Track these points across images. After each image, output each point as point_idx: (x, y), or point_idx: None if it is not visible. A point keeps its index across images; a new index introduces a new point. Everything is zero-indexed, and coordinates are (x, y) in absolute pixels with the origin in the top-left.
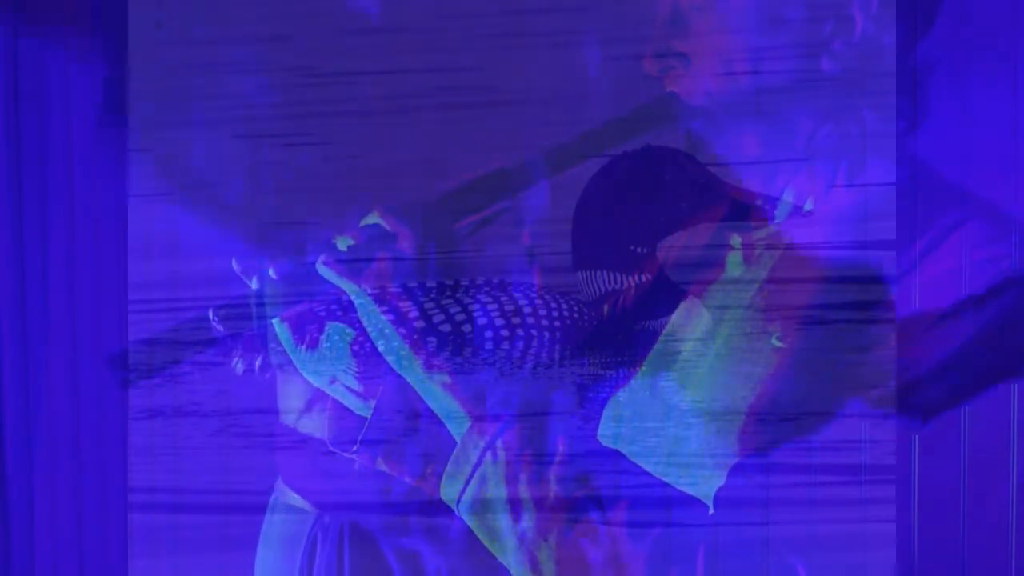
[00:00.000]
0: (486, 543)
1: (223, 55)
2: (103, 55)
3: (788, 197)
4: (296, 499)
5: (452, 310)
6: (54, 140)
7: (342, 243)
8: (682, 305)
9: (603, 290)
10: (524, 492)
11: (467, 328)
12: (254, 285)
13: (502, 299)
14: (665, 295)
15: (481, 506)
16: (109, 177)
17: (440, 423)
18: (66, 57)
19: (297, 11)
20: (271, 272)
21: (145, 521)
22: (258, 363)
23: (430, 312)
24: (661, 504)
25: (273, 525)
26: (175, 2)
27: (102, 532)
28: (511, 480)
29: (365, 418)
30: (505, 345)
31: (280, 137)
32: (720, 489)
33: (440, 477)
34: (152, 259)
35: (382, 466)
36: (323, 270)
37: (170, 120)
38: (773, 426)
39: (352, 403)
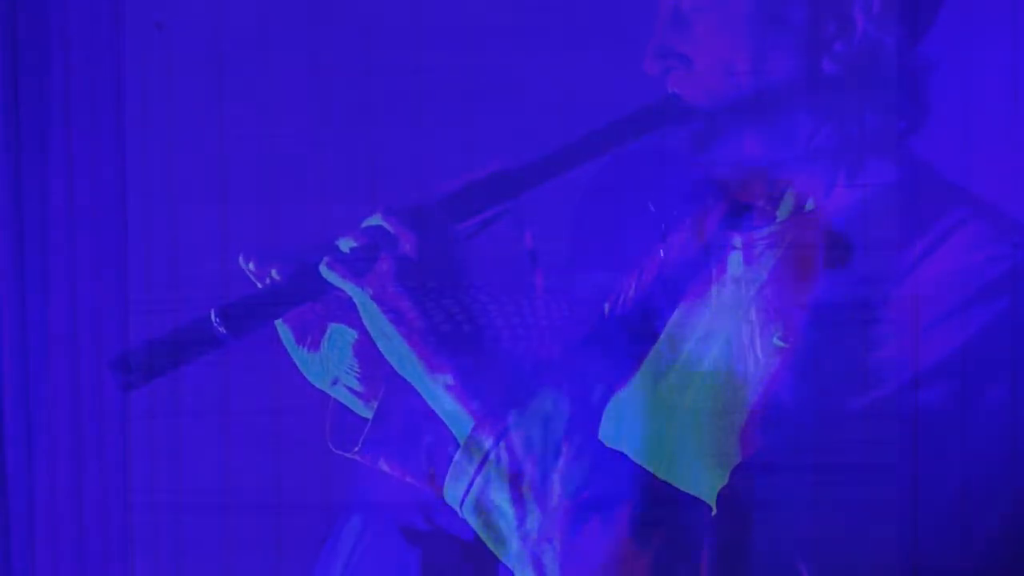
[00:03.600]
0: (489, 544)
1: (221, 55)
2: (102, 56)
3: (789, 197)
4: None
5: (454, 310)
6: (54, 140)
7: (344, 244)
8: (682, 305)
9: (604, 289)
10: (528, 493)
11: (469, 328)
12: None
13: (503, 299)
14: (666, 295)
15: (484, 507)
16: (109, 177)
17: (443, 424)
18: (66, 56)
19: (297, 10)
20: (273, 273)
21: (145, 521)
22: None
23: (432, 312)
24: (664, 504)
25: None
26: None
27: (102, 532)
28: (514, 481)
29: (367, 419)
30: (507, 345)
31: (281, 138)
32: (723, 489)
33: (443, 478)
34: (152, 259)
35: (384, 467)
36: (326, 272)
37: (169, 120)
38: (775, 426)
39: (354, 404)
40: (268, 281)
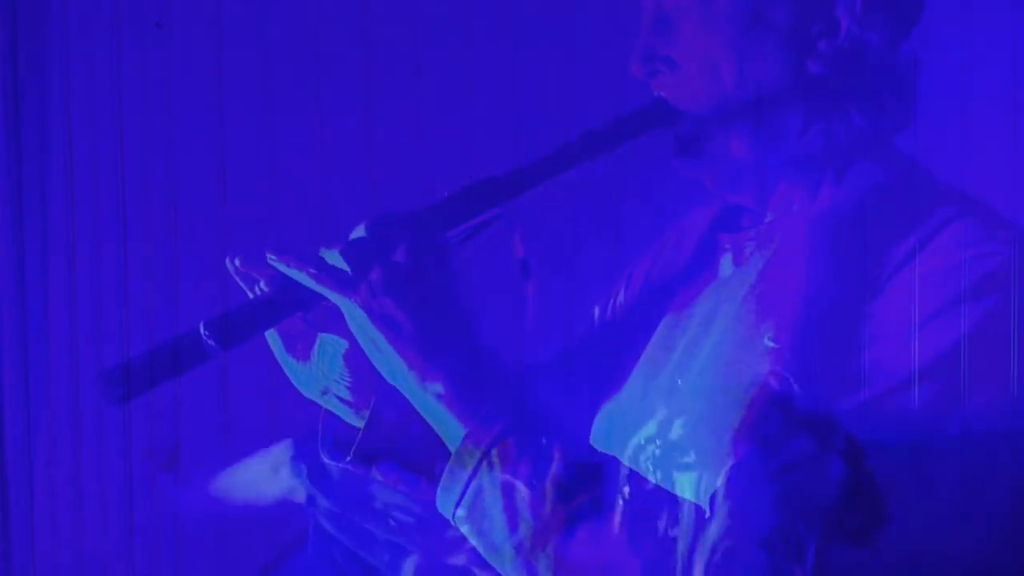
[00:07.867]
0: (483, 553)
1: (221, 55)
2: (102, 56)
3: (777, 198)
4: None
5: (447, 317)
6: (54, 140)
7: (329, 257)
8: (673, 308)
9: (594, 294)
10: (521, 501)
11: (459, 336)
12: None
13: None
14: (656, 298)
15: (477, 516)
16: (110, 176)
17: (435, 433)
18: (66, 56)
19: (296, 11)
20: (262, 284)
21: (146, 523)
22: None
23: (421, 321)
24: (658, 508)
25: None
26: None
27: (102, 532)
28: (507, 489)
29: (358, 428)
30: (498, 353)
31: (281, 139)
32: (716, 491)
33: (435, 487)
34: (152, 268)
35: (377, 476)
36: (313, 284)
37: (169, 120)
38: (769, 426)
39: (345, 413)
40: (257, 291)
